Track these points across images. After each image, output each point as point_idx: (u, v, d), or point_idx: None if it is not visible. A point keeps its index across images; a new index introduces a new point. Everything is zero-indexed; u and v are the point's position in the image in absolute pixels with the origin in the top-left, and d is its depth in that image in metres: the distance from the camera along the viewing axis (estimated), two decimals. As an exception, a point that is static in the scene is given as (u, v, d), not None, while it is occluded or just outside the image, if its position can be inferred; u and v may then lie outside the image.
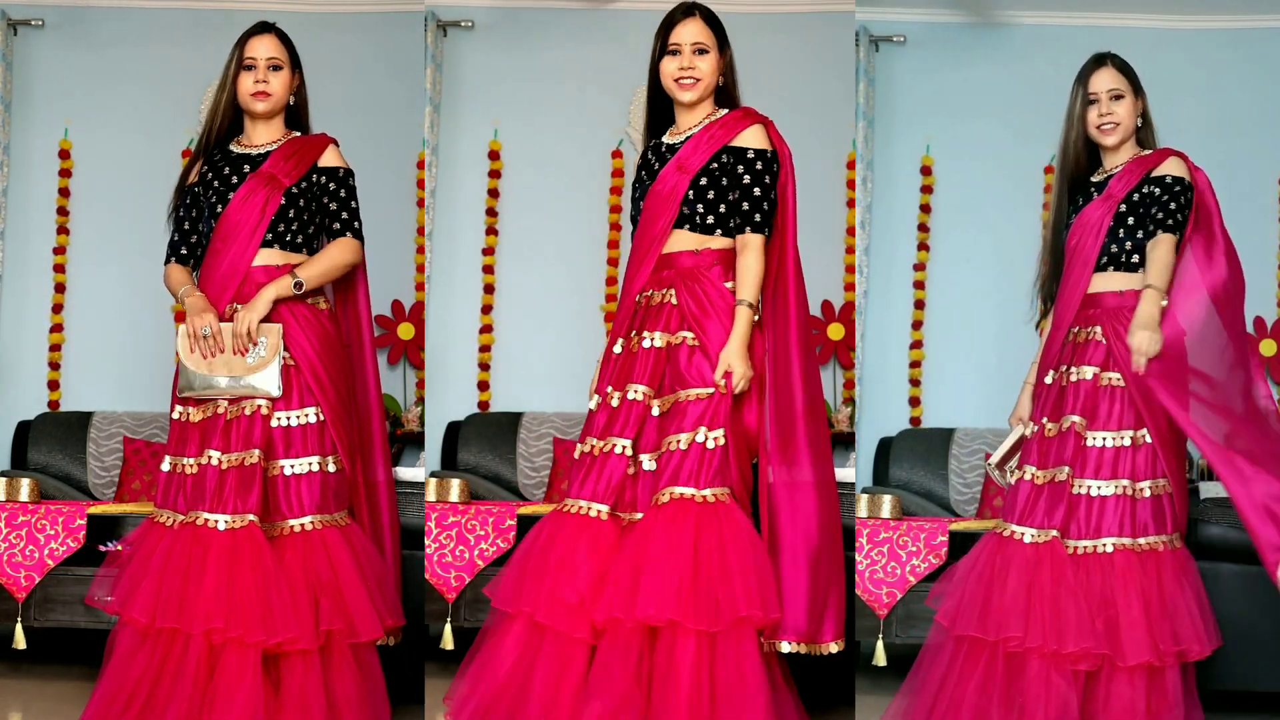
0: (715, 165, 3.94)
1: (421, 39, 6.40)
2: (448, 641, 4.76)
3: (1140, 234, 4.06)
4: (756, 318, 3.90)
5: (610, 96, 6.56)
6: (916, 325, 6.76)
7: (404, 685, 4.22)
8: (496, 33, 6.75)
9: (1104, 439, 3.99)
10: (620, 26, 6.50)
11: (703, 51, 3.98)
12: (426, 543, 4.72)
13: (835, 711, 4.26)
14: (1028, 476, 4.05)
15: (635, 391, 3.87)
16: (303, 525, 3.97)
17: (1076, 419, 4.01)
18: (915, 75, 6.70)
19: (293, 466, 3.99)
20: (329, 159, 4.15)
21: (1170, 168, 4.07)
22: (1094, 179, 4.18)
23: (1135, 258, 4.07)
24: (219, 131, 4.18)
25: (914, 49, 6.70)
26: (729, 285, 3.93)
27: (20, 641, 4.68)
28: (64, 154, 6.69)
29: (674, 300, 3.91)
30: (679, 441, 3.80)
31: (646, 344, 3.90)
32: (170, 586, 3.83)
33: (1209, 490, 6.02)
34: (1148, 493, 3.98)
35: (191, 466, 3.97)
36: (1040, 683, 3.83)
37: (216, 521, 3.87)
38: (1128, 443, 3.99)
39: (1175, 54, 6.44)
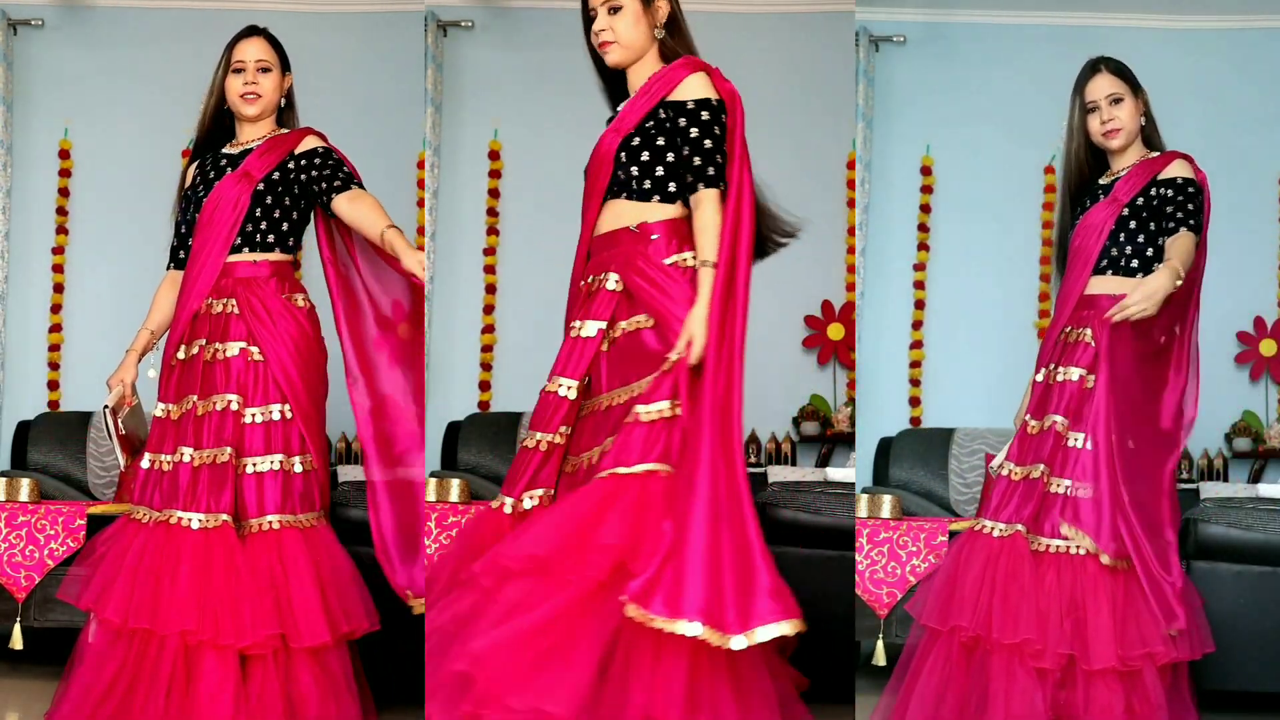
0: (651, 124, 3.68)
1: (421, 39, 6.40)
2: (448, 641, 4.76)
3: (1141, 238, 4.05)
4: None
5: (610, 96, 6.57)
6: (916, 325, 6.76)
7: (405, 685, 4.22)
8: (496, 33, 6.75)
9: (1084, 440, 3.98)
10: (620, 26, 6.49)
11: (615, 10, 3.70)
12: (427, 542, 4.71)
13: (835, 711, 4.25)
14: (1005, 472, 4.09)
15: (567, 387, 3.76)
16: (261, 525, 3.93)
17: (1059, 419, 4.01)
18: (915, 75, 6.71)
19: (255, 464, 3.95)
20: (306, 145, 4.08)
21: (1178, 170, 4.05)
22: (1101, 181, 4.17)
23: (1134, 262, 4.06)
24: (206, 134, 4.18)
25: (914, 49, 6.70)
26: (673, 260, 3.67)
27: (18, 642, 4.68)
28: (64, 154, 6.70)
29: (609, 284, 3.71)
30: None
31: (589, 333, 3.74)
32: (144, 586, 3.81)
33: (1209, 490, 6.03)
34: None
35: (168, 463, 3.95)
36: (1003, 676, 3.84)
37: (190, 520, 3.86)
38: None
39: (1175, 54, 6.45)
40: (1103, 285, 4.07)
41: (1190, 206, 3.99)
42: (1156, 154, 4.14)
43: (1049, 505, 3.97)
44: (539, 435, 3.75)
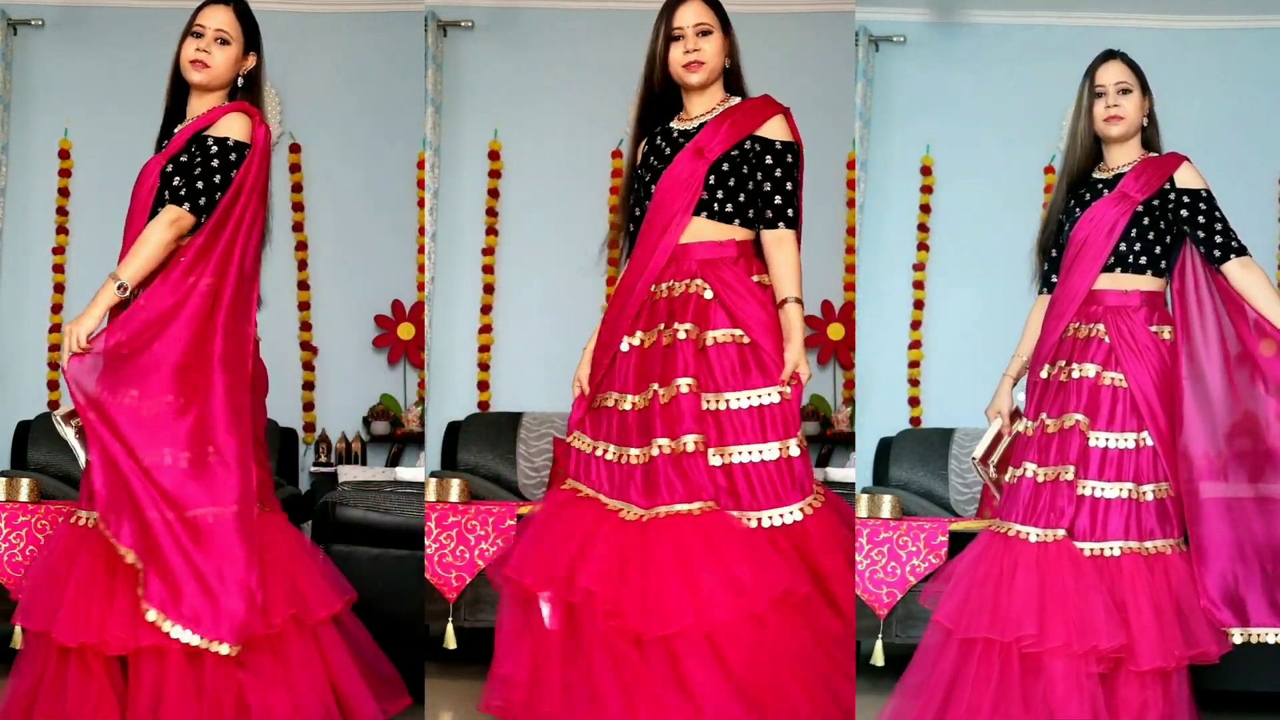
0: (736, 152, 3.88)
1: (421, 39, 6.40)
2: (449, 641, 4.76)
3: (1151, 235, 4.04)
4: None
5: (610, 96, 6.56)
6: (916, 325, 6.76)
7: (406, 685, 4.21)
8: (496, 33, 6.75)
9: (1106, 439, 3.97)
10: (621, 26, 6.50)
11: (706, 33, 3.93)
12: (427, 543, 4.71)
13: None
14: (1029, 474, 4.03)
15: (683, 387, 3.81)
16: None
17: (1080, 417, 3.98)
18: (915, 75, 6.71)
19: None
20: (220, 128, 3.82)
21: (1192, 178, 4.04)
22: (1099, 175, 4.15)
23: (1143, 259, 4.05)
24: (169, 108, 4.01)
25: (914, 49, 6.70)
26: (755, 279, 3.88)
27: (18, 642, 4.67)
28: (64, 154, 6.70)
29: (706, 293, 3.85)
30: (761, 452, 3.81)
31: (682, 335, 3.82)
32: (92, 599, 3.71)
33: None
34: (1150, 496, 3.95)
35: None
36: (1071, 683, 3.78)
37: (90, 519, 3.76)
38: (1130, 445, 3.97)
39: (1175, 54, 6.45)
40: (1111, 281, 4.06)
41: (1230, 226, 4.01)
42: (1156, 155, 4.13)
43: (1078, 508, 3.95)
44: None
